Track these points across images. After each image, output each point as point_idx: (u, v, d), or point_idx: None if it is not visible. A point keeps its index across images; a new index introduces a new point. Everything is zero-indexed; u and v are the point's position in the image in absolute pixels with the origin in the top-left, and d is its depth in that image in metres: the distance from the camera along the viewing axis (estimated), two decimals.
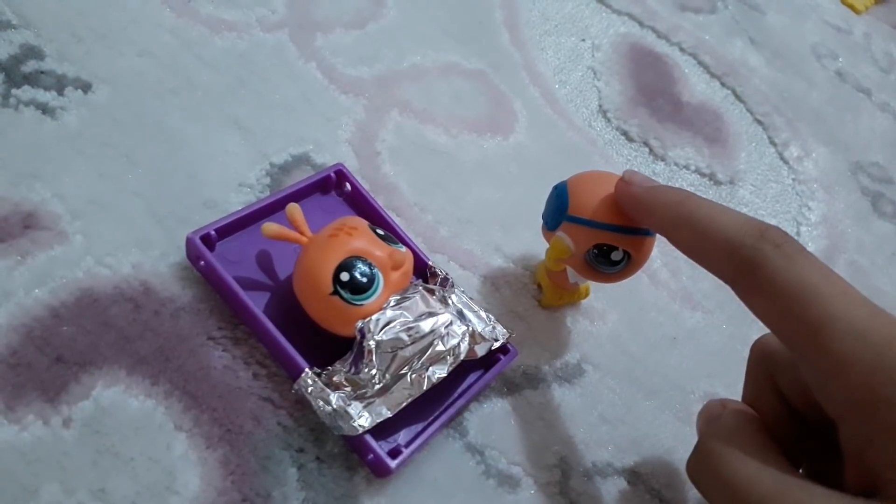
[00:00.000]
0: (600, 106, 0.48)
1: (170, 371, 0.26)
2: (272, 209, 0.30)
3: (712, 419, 0.26)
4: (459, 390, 0.29)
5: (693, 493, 0.31)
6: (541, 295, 0.35)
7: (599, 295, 0.36)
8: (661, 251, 0.41)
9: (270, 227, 0.26)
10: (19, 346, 0.24)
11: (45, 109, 0.30)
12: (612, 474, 0.30)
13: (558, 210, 0.30)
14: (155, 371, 0.26)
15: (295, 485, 0.25)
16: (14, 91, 0.30)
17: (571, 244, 0.30)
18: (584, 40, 0.52)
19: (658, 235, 0.30)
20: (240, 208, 0.29)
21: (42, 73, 0.31)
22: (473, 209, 0.37)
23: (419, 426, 0.27)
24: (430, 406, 0.27)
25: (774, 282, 0.22)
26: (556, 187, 0.31)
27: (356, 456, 0.26)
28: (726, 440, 0.23)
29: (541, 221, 0.33)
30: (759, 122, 0.55)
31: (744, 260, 0.22)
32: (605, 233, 0.29)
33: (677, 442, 0.33)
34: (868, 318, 0.20)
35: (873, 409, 0.19)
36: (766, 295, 0.22)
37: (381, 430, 0.25)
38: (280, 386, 0.27)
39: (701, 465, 0.24)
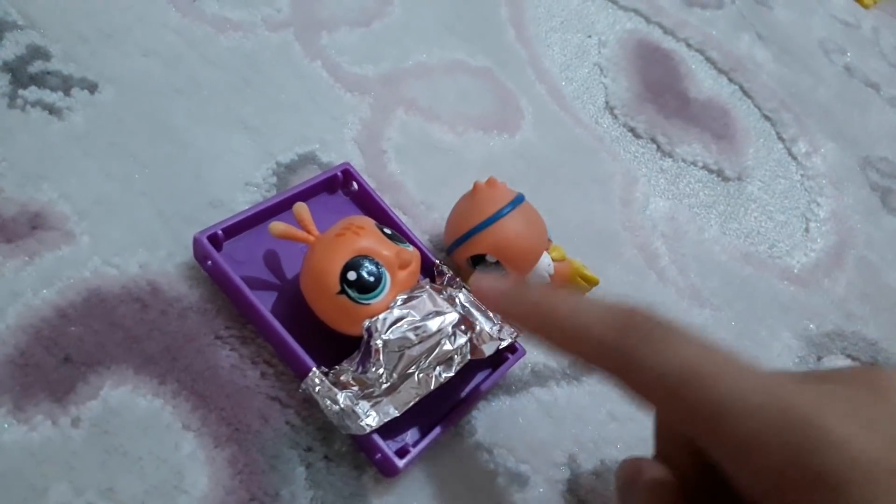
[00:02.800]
0: (607, 102, 0.48)
1: (177, 370, 0.26)
2: (279, 208, 0.30)
3: (627, 487, 0.25)
4: (467, 390, 0.29)
5: None
6: None
7: (607, 293, 0.36)
8: (669, 248, 0.41)
9: (278, 226, 0.26)
10: (27, 347, 0.24)
11: (51, 110, 0.30)
12: None
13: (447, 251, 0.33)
14: (163, 370, 0.26)
15: (303, 483, 0.25)
16: (21, 92, 0.30)
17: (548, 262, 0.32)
18: (590, 37, 0.52)
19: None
20: (246, 208, 0.29)
21: (48, 73, 0.31)
22: None
23: (427, 425, 0.27)
24: (437, 405, 0.27)
25: (652, 374, 0.20)
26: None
27: (364, 455, 0.26)
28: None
29: (547, 221, 0.33)
30: (767, 118, 0.55)
31: (615, 358, 0.21)
32: (464, 245, 0.31)
33: None
34: (758, 390, 0.19)
35: (782, 493, 0.18)
36: (649, 388, 0.20)
37: (389, 429, 0.25)
38: (287, 385, 0.27)
39: None
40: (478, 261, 0.31)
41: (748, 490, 0.19)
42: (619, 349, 0.21)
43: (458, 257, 0.32)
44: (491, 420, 0.29)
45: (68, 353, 0.25)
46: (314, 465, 0.26)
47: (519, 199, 0.31)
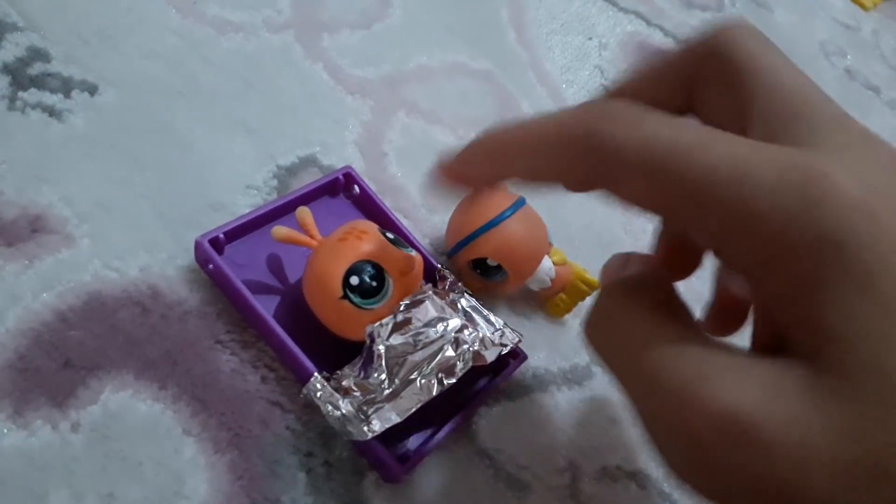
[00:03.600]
0: None
1: (178, 375, 0.26)
2: (281, 212, 0.29)
3: (614, 274, 0.23)
4: (469, 395, 0.29)
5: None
6: (550, 305, 0.34)
7: None
8: None
9: (280, 230, 0.26)
10: (27, 351, 0.24)
11: (51, 112, 0.30)
12: (622, 477, 0.30)
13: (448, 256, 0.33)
14: (163, 375, 0.25)
15: (303, 489, 0.25)
16: (21, 94, 0.30)
17: (547, 275, 0.33)
18: (591, 39, 0.52)
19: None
20: (247, 211, 0.29)
21: (48, 75, 0.31)
22: None
23: (428, 431, 0.27)
24: (439, 411, 0.27)
25: (626, 152, 0.18)
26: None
27: (365, 461, 0.26)
28: (625, 297, 0.20)
29: (548, 224, 0.33)
30: None
31: (588, 150, 0.18)
32: (465, 249, 0.31)
33: None
34: (750, 153, 0.17)
35: (779, 262, 0.17)
36: (625, 175, 0.18)
37: (391, 435, 0.25)
38: (288, 390, 0.27)
39: (595, 324, 0.21)
40: (479, 264, 0.31)
41: (743, 269, 0.18)
42: (585, 137, 0.18)
43: (459, 261, 0.32)
44: (491, 425, 0.29)
45: (68, 357, 0.25)
46: (315, 470, 0.26)
47: (520, 203, 0.31)
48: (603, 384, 0.33)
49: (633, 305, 0.20)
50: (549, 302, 0.34)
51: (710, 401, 0.16)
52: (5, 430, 0.23)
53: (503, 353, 0.29)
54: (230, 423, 0.25)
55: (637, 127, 0.18)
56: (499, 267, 0.31)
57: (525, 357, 0.30)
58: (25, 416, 0.23)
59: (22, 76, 0.30)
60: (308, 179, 0.33)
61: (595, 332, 0.21)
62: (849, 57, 0.67)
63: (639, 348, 0.18)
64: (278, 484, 0.25)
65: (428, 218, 0.35)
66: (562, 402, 0.31)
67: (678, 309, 0.20)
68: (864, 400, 0.15)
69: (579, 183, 0.19)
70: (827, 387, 0.16)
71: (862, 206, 0.16)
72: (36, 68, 0.31)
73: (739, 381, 0.16)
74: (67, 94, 0.31)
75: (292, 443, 0.26)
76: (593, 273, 0.34)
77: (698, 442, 0.16)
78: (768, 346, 0.18)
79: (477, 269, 0.31)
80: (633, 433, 0.32)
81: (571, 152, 0.19)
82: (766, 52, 0.20)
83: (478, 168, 0.22)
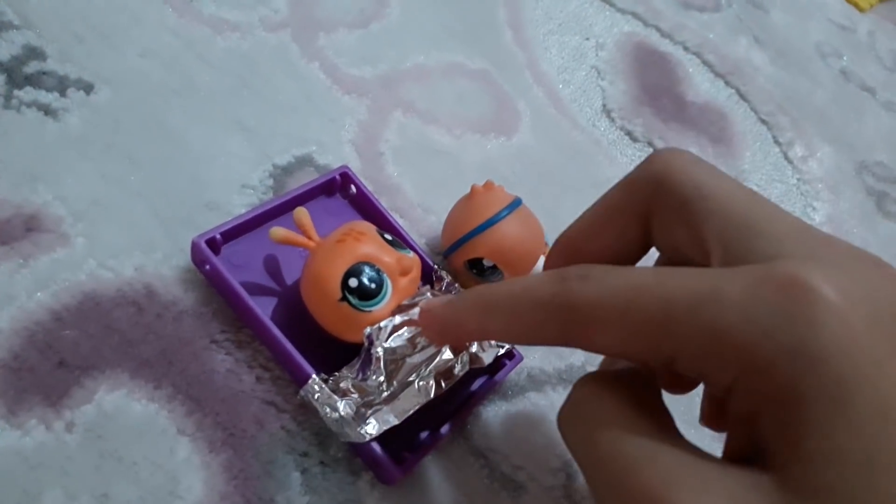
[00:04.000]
0: (604, 105, 0.48)
1: (173, 375, 0.26)
2: (278, 212, 0.29)
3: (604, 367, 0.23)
4: (465, 396, 0.29)
5: None
6: None
7: None
8: None
9: (278, 231, 0.26)
10: (22, 350, 0.24)
11: (47, 111, 0.30)
12: None
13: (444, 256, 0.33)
14: (158, 375, 0.25)
15: (298, 489, 0.25)
16: (16, 92, 0.30)
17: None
18: (587, 39, 0.52)
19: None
20: (243, 210, 0.29)
21: (44, 74, 0.31)
22: None
23: (425, 433, 0.27)
24: (435, 413, 0.27)
25: (596, 305, 0.18)
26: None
27: (361, 461, 0.26)
28: (601, 387, 0.20)
29: (544, 224, 0.33)
30: (764, 122, 0.55)
31: (560, 308, 0.19)
32: (461, 249, 0.31)
33: None
34: (711, 278, 0.17)
35: (754, 377, 0.16)
36: (595, 323, 0.19)
37: (387, 436, 0.25)
38: (283, 390, 0.27)
39: (567, 412, 0.21)
40: (475, 265, 0.31)
41: (721, 388, 0.18)
42: (558, 296, 0.19)
43: (454, 261, 0.32)
44: (486, 426, 0.29)
45: (63, 356, 0.25)
46: (310, 470, 0.26)
47: (516, 203, 0.31)
48: None
49: (609, 398, 0.20)
50: None
51: None
52: None
53: (500, 353, 0.29)
54: (225, 422, 0.25)
55: (601, 282, 0.19)
56: (494, 267, 0.31)
57: (521, 358, 0.30)
58: (19, 415, 0.23)
59: (17, 74, 0.30)
60: (304, 179, 0.33)
61: (566, 419, 0.21)
62: (845, 58, 0.67)
63: (608, 443, 0.18)
64: (273, 484, 0.25)
65: (424, 218, 0.35)
66: (557, 403, 0.31)
67: (655, 408, 0.20)
68: None
69: (555, 340, 0.20)
70: (790, 502, 0.15)
71: (838, 315, 0.16)
72: (31, 66, 0.31)
73: (707, 491, 0.16)
74: (63, 93, 0.31)
75: (287, 443, 0.26)
76: None
77: None
78: (742, 453, 0.18)
79: (473, 270, 0.31)
80: None
81: (547, 314, 0.19)
82: (707, 175, 0.21)
83: (460, 328, 0.23)
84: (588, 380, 0.21)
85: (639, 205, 0.22)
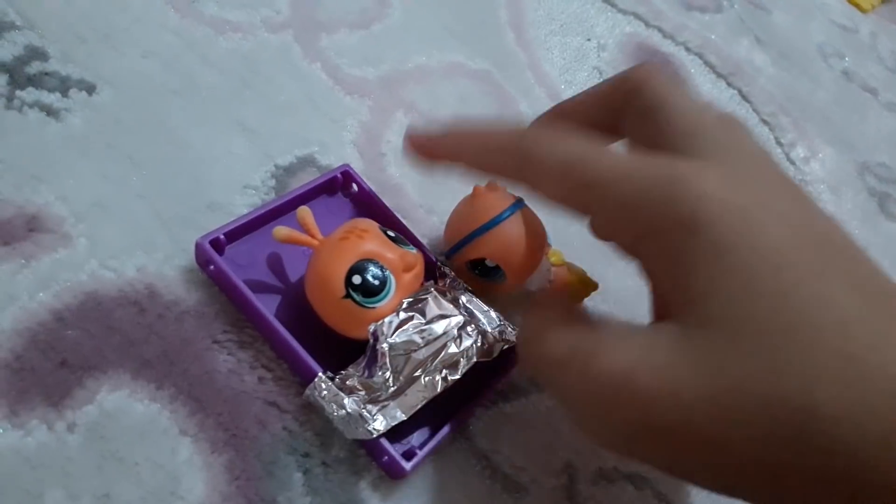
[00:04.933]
0: None
1: (175, 375, 0.26)
2: (280, 212, 0.29)
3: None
4: (471, 391, 0.29)
5: (699, 498, 0.31)
6: None
7: (606, 297, 0.36)
8: None
9: (281, 230, 0.26)
10: (23, 351, 0.24)
11: (49, 111, 0.30)
12: (618, 479, 0.30)
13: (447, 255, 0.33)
14: (160, 375, 0.25)
15: (300, 489, 0.25)
16: (18, 93, 0.30)
17: (548, 263, 0.33)
18: (589, 40, 0.52)
19: None
20: (245, 211, 0.29)
21: (46, 74, 0.31)
22: None
23: (431, 427, 0.27)
24: (441, 407, 0.27)
25: (544, 164, 0.23)
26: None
27: (362, 460, 0.26)
28: (538, 316, 0.25)
29: (546, 225, 0.33)
30: (766, 123, 0.55)
31: (516, 154, 0.24)
32: (463, 250, 0.31)
33: None
34: (632, 161, 0.22)
35: (650, 242, 0.21)
36: (544, 178, 0.24)
37: (394, 432, 0.25)
38: (285, 390, 0.27)
39: (524, 339, 0.25)
40: (477, 265, 0.31)
41: (629, 251, 0.23)
42: (518, 147, 0.24)
43: (457, 262, 0.32)
44: (488, 426, 0.29)
45: (64, 357, 0.24)
46: (311, 470, 0.26)
47: (519, 204, 0.31)
48: None
49: (545, 319, 0.24)
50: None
51: (603, 367, 0.20)
52: (1, 430, 0.23)
53: (505, 347, 0.29)
54: (227, 423, 0.25)
55: (556, 144, 0.23)
56: (497, 268, 0.31)
57: None
58: (21, 415, 0.23)
59: (19, 75, 0.30)
60: (306, 179, 0.33)
61: (525, 345, 0.25)
62: (846, 59, 0.67)
63: (552, 346, 0.23)
64: (275, 484, 0.25)
65: (426, 218, 0.35)
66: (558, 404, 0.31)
67: (579, 312, 0.25)
68: (720, 342, 0.19)
69: (511, 178, 0.25)
70: (691, 337, 0.19)
71: (714, 196, 0.20)
72: (33, 67, 0.31)
73: (625, 347, 0.20)
74: (65, 93, 0.31)
75: (289, 443, 0.26)
76: (592, 273, 0.34)
77: (599, 403, 0.21)
78: (662, 317, 0.22)
79: (475, 270, 0.31)
80: None
81: (508, 156, 0.25)
82: (674, 87, 0.25)
83: (438, 148, 0.27)
84: (529, 315, 0.25)
85: (616, 99, 0.27)
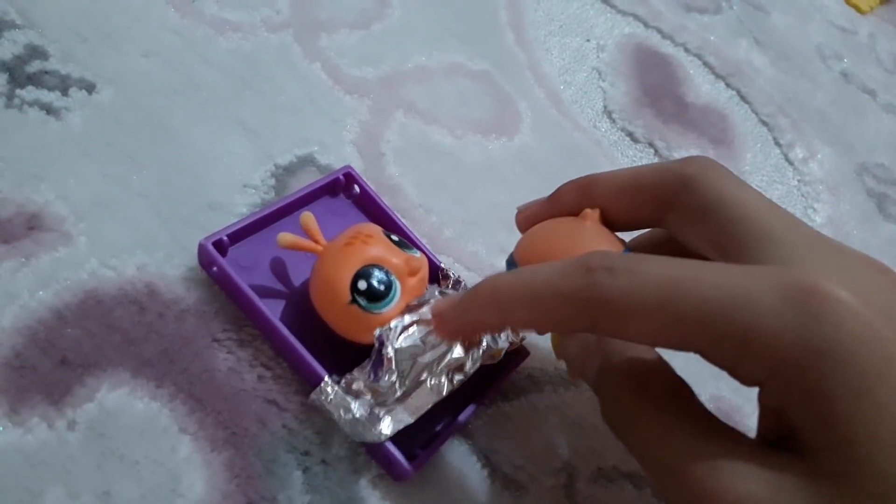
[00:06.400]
0: (605, 107, 0.48)
1: (174, 373, 0.26)
2: (283, 213, 0.29)
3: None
4: (473, 393, 0.29)
5: None
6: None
7: None
8: None
9: (285, 237, 0.26)
10: (24, 349, 0.24)
11: (49, 110, 0.30)
12: (618, 478, 0.30)
13: None
14: (160, 373, 0.25)
15: (300, 488, 0.25)
16: (18, 91, 0.30)
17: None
18: (588, 41, 0.52)
19: None
20: (245, 210, 0.29)
21: (46, 73, 0.31)
22: (478, 210, 0.37)
23: (434, 429, 0.27)
24: (444, 409, 0.27)
25: (627, 301, 0.19)
26: (507, 261, 0.29)
27: (362, 458, 0.26)
28: (637, 393, 0.22)
29: None
30: (765, 123, 0.55)
31: (588, 302, 0.20)
32: None
33: None
34: (740, 276, 0.19)
35: (785, 375, 0.18)
36: (625, 319, 0.19)
37: (398, 434, 0.25)
38: (285, 388, 0.27)
39: (611, 415, 0.22)
40: None
41: (752, 382, 0.19)
42: (586, 290, 0.20)
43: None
44: (487, 426, 0.29)
45: (65, 355, 0.25)
46: (311, 468, 0.26)
47: (626, 251, 0.27)
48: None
49: (647, 401, 0.21)
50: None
51: (723, 491, 0.18)
52: (1, 428, 0.23)
53: (508, 349, 0.29)
54: (227, 421, 0.25)
55: (631, 274, 0.19)
56: None
57: (527, 353, 0.31)
58: (21, 413, 0.23)
59: (20, 74, 0.30)
60: (306, 179, 0.33)
61: (612, 421, 0.23)
62: (845, 60, 0.67)
63: (658, 440, 0.20)
64: (275, 482, 0.25)
65: (425, 218, 0.35)
66: (558, 403, 0.31)
67: (686, 397, 0.22)
68: (857, 496, 0.17)
69: (583, 329, 0.21)
70: (824, 483, 0.17)
71: (856, 316, 0.17)
72: (34, 66, 0.31)
73: (748, 474, 0.18)
74: (65, 92, 0.31)
75: (289, 441, 0.26)
76: None
77: None
78: (773, 435, 0.20)
79: None
80: None
81: (572, 307, 0.20)
82: (732, 183, 0.23)
83: (478, 318, 0.24)
84: (622, 379, 0.22)
85: (663, 195, 0.24)
